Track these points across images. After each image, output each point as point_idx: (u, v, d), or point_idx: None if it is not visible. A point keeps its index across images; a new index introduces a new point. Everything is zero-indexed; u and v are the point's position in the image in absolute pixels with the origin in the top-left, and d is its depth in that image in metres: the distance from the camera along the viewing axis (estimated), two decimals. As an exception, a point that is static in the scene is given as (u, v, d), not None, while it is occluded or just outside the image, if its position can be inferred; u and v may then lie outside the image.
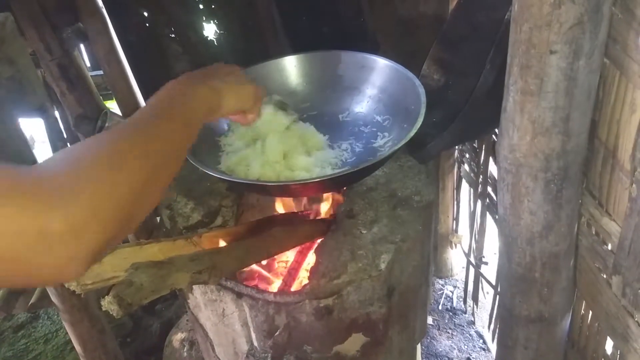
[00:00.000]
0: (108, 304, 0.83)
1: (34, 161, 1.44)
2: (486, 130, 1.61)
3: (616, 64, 0.96)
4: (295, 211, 1.47)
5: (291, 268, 1.34)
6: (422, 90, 1.31)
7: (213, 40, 1.79)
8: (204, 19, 1.75)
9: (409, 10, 1.73)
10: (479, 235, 2.00)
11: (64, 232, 0.52)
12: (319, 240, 1.31)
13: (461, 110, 1.24)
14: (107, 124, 1.22)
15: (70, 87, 1.84)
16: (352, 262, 1.15)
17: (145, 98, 1.95)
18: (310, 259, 1.34)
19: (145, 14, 1.73)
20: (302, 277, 1.31)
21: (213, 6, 1.72)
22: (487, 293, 2.22)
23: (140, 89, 1.94)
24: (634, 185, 0.96)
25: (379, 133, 1.42)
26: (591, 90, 0.97)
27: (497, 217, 1.45)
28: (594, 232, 1.17)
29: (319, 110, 1.53)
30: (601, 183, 1.10)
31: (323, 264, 1.16)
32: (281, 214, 1.45)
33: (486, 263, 2.07)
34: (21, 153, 1.38)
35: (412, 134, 1.19)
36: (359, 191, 1.31)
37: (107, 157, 0.61)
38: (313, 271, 1.17)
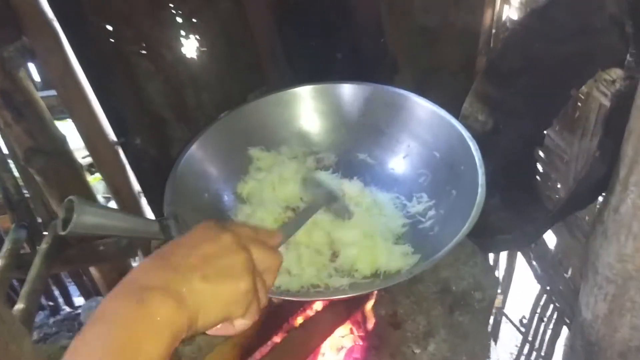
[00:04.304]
0: None
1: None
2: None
3: None
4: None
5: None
6: (475, 149, 1.03)
7: (194, 59, 1.46)
8: (182, 33, 1.41)
9: (431, 21, 1.43)
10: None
11: None
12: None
13: (533, 184, 0.97)
14: (73, 218, 0.90)
15: (16, 117, 1.48)
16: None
17: (112, 122, 1.61)
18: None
19: (109, 27, 1.39)
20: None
21: (194, 20, 1.39)
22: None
23: (105, 112, 1.60)
24: None
25: (413, 194, 1.15)
26: None
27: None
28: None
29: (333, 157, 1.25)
30: None
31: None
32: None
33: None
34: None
35: (470, 223, 0.91)
36: (401, 283, 1.04)
37: None
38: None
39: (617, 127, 0.79)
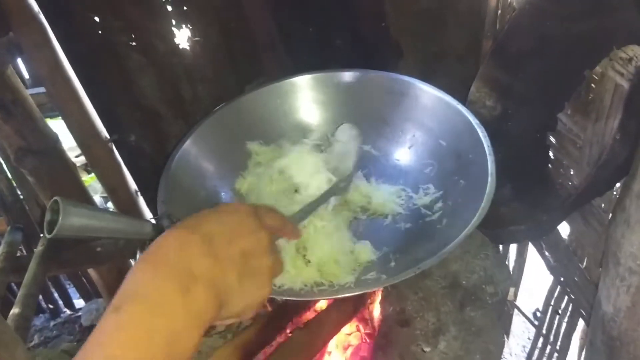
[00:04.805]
0: None
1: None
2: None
3: None
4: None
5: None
6: (484, 136, 0.98)
7: (187, 49, 1.40)
8: (174, 23, 1.36)
9: (436, 4, 1.36)
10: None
11: None
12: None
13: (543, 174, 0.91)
14: (59, 220, 0.84)
15: (5, 116, 1.43)
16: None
17: (104, 119, 1.56)
18: None
19: (96, 19, 1.33)
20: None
21: (185, 8, 1.33)
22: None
23: (97, 108, 1.55)
24: None
25: (420, 185, 1.09)
26: None
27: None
28: None
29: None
30: None
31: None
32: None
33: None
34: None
35: (480, 215, 0.86)
36: (408, 278, 0.98)
37: None
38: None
39: (638, 108, 0.73)
